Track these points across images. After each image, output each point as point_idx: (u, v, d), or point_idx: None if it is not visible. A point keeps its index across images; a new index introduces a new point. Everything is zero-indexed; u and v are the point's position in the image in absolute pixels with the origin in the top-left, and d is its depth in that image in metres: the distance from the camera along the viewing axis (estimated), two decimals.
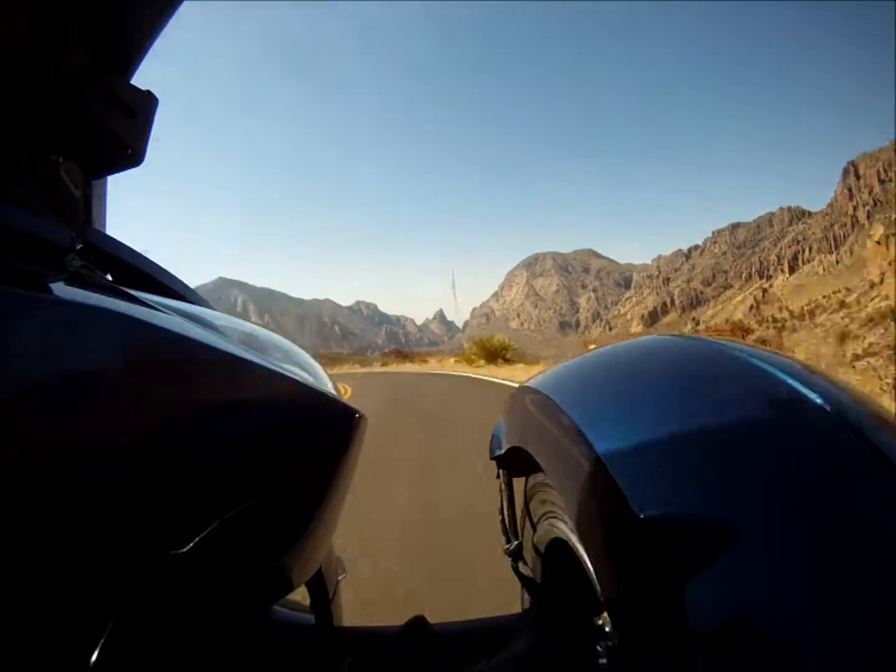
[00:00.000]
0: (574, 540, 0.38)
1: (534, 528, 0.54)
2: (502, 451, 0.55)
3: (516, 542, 0.60)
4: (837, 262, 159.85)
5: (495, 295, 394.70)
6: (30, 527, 0.23)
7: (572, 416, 0.37)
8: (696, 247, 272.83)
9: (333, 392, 0.47)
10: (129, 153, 0.38)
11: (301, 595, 0.52)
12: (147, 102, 0.38)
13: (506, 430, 0.56)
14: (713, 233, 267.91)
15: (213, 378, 0.33)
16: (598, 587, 0.31)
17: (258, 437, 0.35)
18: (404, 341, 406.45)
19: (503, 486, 0.60)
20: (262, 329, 0.49)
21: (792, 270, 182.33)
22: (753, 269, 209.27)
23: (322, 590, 0.52)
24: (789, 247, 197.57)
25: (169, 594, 0.29)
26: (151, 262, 0.48)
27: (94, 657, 0.25)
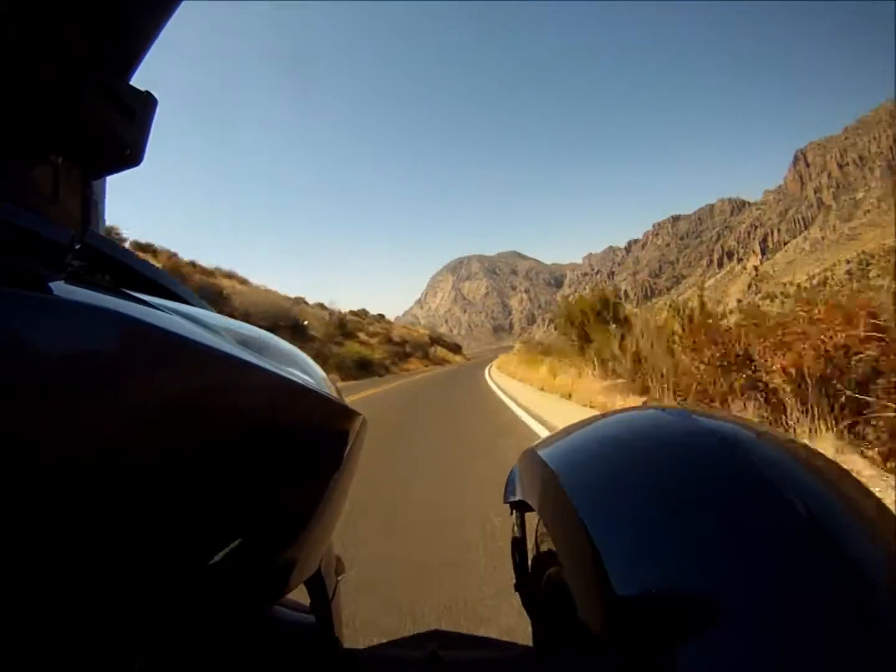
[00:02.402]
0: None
1: (543, 570, 0.56)
2: (514, 499, 0.59)
3: (526, 582, 0.63)
4: (823, 237, 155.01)
5: (419, 302, 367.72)
6: (28, 530, 0.23)
7: (562, 485, 0.40)
8: (636, 241, 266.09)
9: (333, 393, 0.48)
10: (129, 153, 0.38)
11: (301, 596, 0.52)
12: (146, 103, 0.38)
13: (517, 482, 0.60)
14: (654, 225, 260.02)
15: (212, 380, 0.33)
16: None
17: (257, 439, 0.35)
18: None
19: (515, 527, 0.64)
20: (261, 331, 0.50)
21: (763, 252, 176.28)
22: (715, 256, 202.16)
23: (321, 590, 0.54)
24: (748, 232, 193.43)
25: (170, 594, 0.30)
26: (149, 264, 0.48)
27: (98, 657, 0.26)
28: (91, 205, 0.41)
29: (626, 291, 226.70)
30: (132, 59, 0.37)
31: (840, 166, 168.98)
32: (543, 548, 0.56)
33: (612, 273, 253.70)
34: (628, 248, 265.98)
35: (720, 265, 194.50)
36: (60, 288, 0.28)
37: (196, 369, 0.32)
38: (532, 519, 0.59)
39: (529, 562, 0.62)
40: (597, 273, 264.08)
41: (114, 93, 0.36)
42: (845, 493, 0.34)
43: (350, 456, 0.45)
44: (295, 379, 0.41)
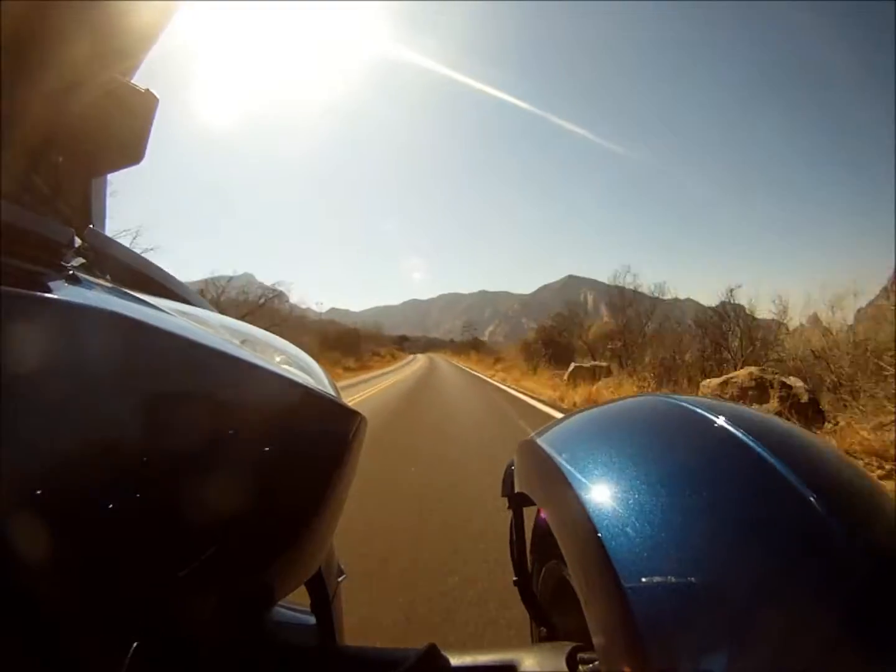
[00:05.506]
0: (574, 584, 0.40)
1: (542, 564, 0.56)
2: (512, 492, 0.58)
3: (525, 576, 0.62)
4: None
5: None
6: (32, 530, 0.22)
7: (565, 472, 0.39)
8: None
9: (334, 393, 0.48)
10: (130, 152, 0.38)
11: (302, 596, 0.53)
12: (147, 102, 0.38)
13: (515, 474, 0.59)
14: None
15: (212, 379, 0.33)
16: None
17: (258, 438, 0.35)
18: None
19: (513, 521, 0.63)
20: (262, 330, 0.49)
21: None
22: None
23: (322, 591, 0.53)
24: None
25: (175, 596, 0.29)
26: (150, 262, 0.47)
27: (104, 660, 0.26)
28: (93, 203, 0.40)
29: None
30: (134, 57, 0.37)
31: None
32: (542, 541, 0.55)
33: None
34: None
35: None
36: (60, 288, 0.29)
37: (195, 369, 0.32)
38: (529, 515, 0.58)
39: (528, 556, 0.61)
40: None
41: (114, 92, 0.36)
42: (841, 472, 0.34)
43: (349, 456, 0.44)
44: (294, 378, 0.40)
